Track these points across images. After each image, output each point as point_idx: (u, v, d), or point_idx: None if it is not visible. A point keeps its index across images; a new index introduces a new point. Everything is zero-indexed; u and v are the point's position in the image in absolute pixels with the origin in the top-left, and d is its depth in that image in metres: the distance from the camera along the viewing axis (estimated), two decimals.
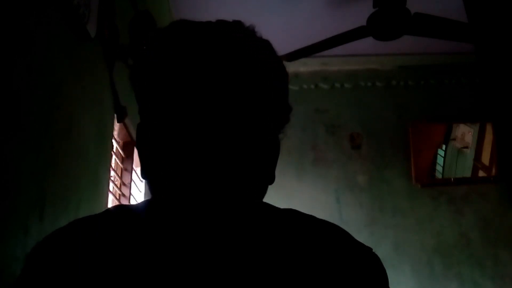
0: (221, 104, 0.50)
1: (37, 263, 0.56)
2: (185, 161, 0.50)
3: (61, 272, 0.53)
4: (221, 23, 0.55)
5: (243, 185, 0.51)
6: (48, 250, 0.56)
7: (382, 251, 0.57)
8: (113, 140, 1.82)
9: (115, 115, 1.74)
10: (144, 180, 0.57)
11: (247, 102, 0.51)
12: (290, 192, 2.96)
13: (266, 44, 0.57)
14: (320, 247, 0.56)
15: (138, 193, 2.23)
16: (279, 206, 0.62)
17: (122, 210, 0.64)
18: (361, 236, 0.60)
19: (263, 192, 0.57)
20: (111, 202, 1.78)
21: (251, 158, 0.51)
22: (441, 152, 3.17)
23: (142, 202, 0.64)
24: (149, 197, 0.59)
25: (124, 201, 1.96)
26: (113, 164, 1.84)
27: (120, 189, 1.96)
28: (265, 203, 0.61)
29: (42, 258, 0.55)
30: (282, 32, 2.79)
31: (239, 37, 0.54)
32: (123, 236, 0.55)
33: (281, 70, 0.57)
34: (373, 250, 0.59)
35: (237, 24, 0.56)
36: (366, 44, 2.41)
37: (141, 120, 0.57)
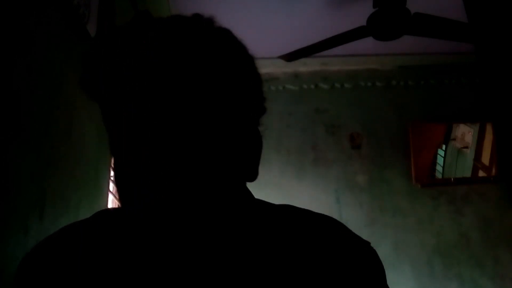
0: (186, 101, 0.47)
1: (27, 274, 0.56)
2: (154, 163, 0.47)
3: (51, 282, 0.53)
4: (176, 18, 0.53)
5: (208, 183, 0.49)
6: (36, 261, 0.56)
7: (382, 251, 0.56)
8: None
9: None
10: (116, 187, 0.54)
11: (213, 96, 0.49)
12: (290, 192, 2.96)
13: (224, 33, 0.53)
14: (316, 241, 0.55)
15: None
16: None
17: (109, 214, 0.62)
18: (361, 236, 0.60)
19: (238, 188, 0.55)
20: (111, 202, 1.78)
21: (224, 153, 0.49)
22: (441, 152, 3.17)
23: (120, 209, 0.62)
24: None
25: None
26: (113, 164, 1.84)
27: None
28: (259, 200, 0.60)
29: (31, 269, 0.56)
30: (282, 32, 2.79)
31: (196, 30, 0.51)
32: (111, 242, 0.55)
33: (244, 57, 0.54)
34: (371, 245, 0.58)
35: (194, 17, 0.54)
36: (366, 44, 2.41)
37: (106, 124, 0.54)
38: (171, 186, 0.47)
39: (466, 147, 3.17)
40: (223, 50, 0.51)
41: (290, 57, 2.33)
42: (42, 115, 1.09)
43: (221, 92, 0.49)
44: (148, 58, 0.48)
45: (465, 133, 3.17)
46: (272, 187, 2.83)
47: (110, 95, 0.50)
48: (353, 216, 2.99)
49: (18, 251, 0.96)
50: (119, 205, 0.53)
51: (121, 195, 0.51)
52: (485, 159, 3.13)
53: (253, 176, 0.54)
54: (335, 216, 0.60)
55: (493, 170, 3.09)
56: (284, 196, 2.85)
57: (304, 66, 3.18)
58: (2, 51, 0.90)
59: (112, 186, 1.78)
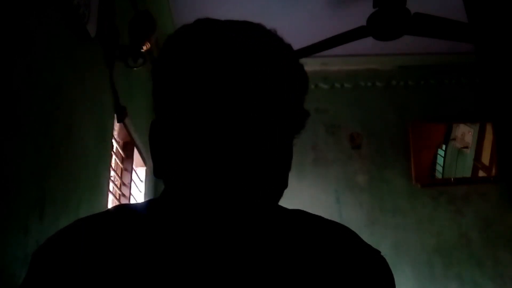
0: (239, 106, 0.49)
1: (41, 264, 0.55)
2: (200, 162, 0.49)
3: (65, 273, 0.53)
4: (246, 24, 0.55)
5: (257, 188, 0.51)
6: (52, 251, 0.56)
7: (382, 251, 0.57)
8: (113, 140, 1.82)
9: (115, 115, 1.74)
10: (156, 178, 0.57)
11: (266, 105, 0.51)
12: (290, 192, 2.91)
13: (288, 49, 0.57)
14: (327, 248, 0.56)
15: (138, 193, 2.23)
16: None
17: (125, 209, 0.63)
18: (361, 236, 0.60)
19: (279, 196, 0.57)
20: (111, 202, 1.78)
21: (266, 161, 0.51)
22: (441, 152, 3.17)
23: (144, 202, 0.63)
24: (150, 197, 0.59)
25: (124, 201, 1.96)
26: (113, 164, 1.84)
27: (120, 189, 1.96)
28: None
29: (46, 259, 0.55)
30: (282, 32, 2.78)
31: (263, 40, 0.53)
32: (127, 235, 0.55)
33: (302, 74, 0.57)
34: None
35: (260, 26, 0.56)
36: (366, 44, 2.41)
37: (156, 117, 0.56)
38: (217, 185, 0.49)
39: (466, 147, 3.17)
40: (292, 66, 0.55)
41: None
42: (42, 115, 1.09)
43: (283, 105, 0.52)
44: (225, 63, 0.50)
45: (465, 133, 3.17)
46: None
47: (180, 91, 0.52)
48: (353, 216, 2.99)
49: (18, 251, 0.96)
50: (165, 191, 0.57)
51: (168, 183, 0.55)
52: (485, 159, 3.13)
53: (286, 184, 0.57)
54: (335, 216, 0.60)
55: (493, 170, 3.09)
56: (284, 196, 2.83)
57: (304, 66, 3.17)
58: (2, 51, 0.90)
59: (112, 186, 1.78)
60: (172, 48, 0.55)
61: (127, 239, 0.54)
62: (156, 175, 0.56)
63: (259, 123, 0.50)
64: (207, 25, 0.54)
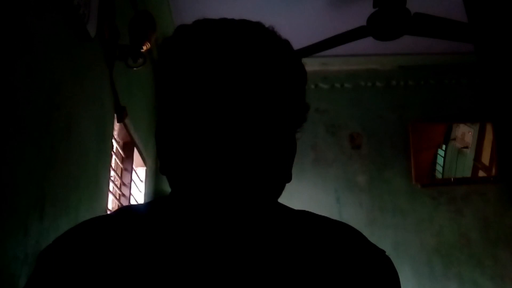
0: (240, 103, 0.50)
1: (48, 264, 0.55)
2: (203, 158, 0.50)
3: (72, 274, 0.53)
4: (243, 22, 0.56)
5: (261, 183, 0.52)
6: (58, 252, 0.56)
7: None
8: (113, 140, 1.82)
9: (115, 115, 1.74)
10: (162, 175, 0.58)
11: (266, 101, 0.51)
12: (290, 192, 2.91)
13: (285, 44, 0.57)
14: (333, 248, 0.56)
15: (138, 193, 2.23)
16: None
17: (129, 211, 0.64)
18: None
19: (281, 190, 0.57)
20: (111, 202, 1.78)
21: (269, 156, 0.52)
22: (441, 152, 3.17)
23: (147, 202, 0.64)
24: (150, 198, 0.59)
25: (124, 201, 1.96)
26: (113, 164, 1.84)
27: (120, 189, 1.96)
28: (279, 203, 0.61)
29: (53, 260, 0.55)
30: (282, 32, 2.78)
31: (260, 37, 0.54)
32: (134, 236, 0.55)
33: (300, 69, 0.58)
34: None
35: (258, 24, 0.56)
36: (366, 44, 2.41)
37: (160, 116, 0.57)
38: (222, 181, 0.50)
39: (466, 147, 3.17)
40: (290, 62, 0.56)
41: None
42: (42, 115, 1.09)
43: (282, 99, 0.53)
44: (226, 61, 0.51)
45: (465, 133, 3.17)
46: None
47: (182, 89, 0.53)
48: (353, 216, 2.99)
49: (18, 251, 0.96)
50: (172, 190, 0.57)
51: (173, 180, 0.56)
52: (485, 159, 3.12)
53: (289, 178, 0.58)
54: (335, 216, 0.61)
55: (493, 170, 3.08)
56: (284, 196, 2.83)
57: (304, 65, 3.17)
58: (2, 51, 0.90)
59: (112, 186, 1.78)
60: (173, 49, 0.56)
61: (132, 240, 0.55)
62: (161, 171, 0.57)
63: (259, 118, 0.51)
64: (205, 25, 0.55)
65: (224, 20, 0.56)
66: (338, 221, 0.60)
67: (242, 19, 0.57)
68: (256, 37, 0.54)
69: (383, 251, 0.59)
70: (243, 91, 0.50)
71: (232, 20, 0.56)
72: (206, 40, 0.53)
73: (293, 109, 0.56)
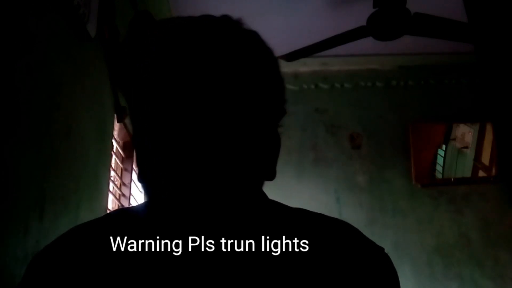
0: (209, 100, 0.49)
1: (37, 272, 0.55)
2: (177, 161, 0.50)
3: (61, 281, 0.53)
4: (207, 18, 0.55)
5: (237, 181, 0.51)
6: (48, 259, 0.56)
7: None
8: (113, 140, 1.82)
9: (115, 115, 1.74)
10: (140, 184, 0.56)
11: (237, 96, 0.50)
12: (290, 192, 2.95)
13: (253, 36, 0.55)
14: (331, 245, 0.55)
15: (138, 193, 2.23)
16: None
17: (123, 213, 0.63)
18: None
19: (258, 186, 0.56)
20: (111, 202, 1.78)
21: (244, 153, 0.51)
22: (441, 152, 3.17)
23: (141, 204, 0.63)
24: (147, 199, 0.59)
25: (124, 201, 1.96)
26: (113, 164, 1.84)
27: (120, 189, 1.96)
28: (275, 201, 0.60)
29: (42, 268, 0.55)
30: (282, 32, 2.79)
31: (225, 31, 0.53)
32: (122, 243, 0.55)
33: (271, 59, 0.56)
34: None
35: (224, 18, 0.55)
36: (366, 44, 2.41)
37: (132, 122, 0.56)
38: (198, 180, 0.50)
39: (466, 147, 3.17)
40: (250, 51, 0.53)
41: (290, 57, 2.33)
42: (42, 115, 1.09)
43: (246, 92, 0.51)
44: (178, 57, 0.50)
45: (465, 133, 3.17)
46: (271, 186, 2.81)
47: (143, 92, 0.52)
48: (353, 216, 2.99)
49: (18, 251, 0.96)
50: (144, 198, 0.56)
51: (148, 187, 0.55)
52: (485, 159, 3.13)
53: (272, 176, 0.56)
54: (335, 216, 0.60)
55: (493, 170, 3.09)
56: (284, 196, 2.83)
57: (304, 66, 3.18)
58: (2, 51, 0.90)
59: (112, 186, 1.78)
60: (138, 52, 0.54)
61: (127, 243, 0.54)
62: (139, 179, 0.55)
63: (231, 116, 0.50)
64: (168, 26, 0.54)
65: (188, 19, 0.55)
66: (335, 218, 0.60)
67: (206, 14, 0.55)
68: (222, 32, 0.52)
69: (381, 248, 0.58)
70: (212, 89, 0.49)
71: (196, 18, 0.55)
72: (172, 41, 0.52)
73: (267, 102, 0.53)
